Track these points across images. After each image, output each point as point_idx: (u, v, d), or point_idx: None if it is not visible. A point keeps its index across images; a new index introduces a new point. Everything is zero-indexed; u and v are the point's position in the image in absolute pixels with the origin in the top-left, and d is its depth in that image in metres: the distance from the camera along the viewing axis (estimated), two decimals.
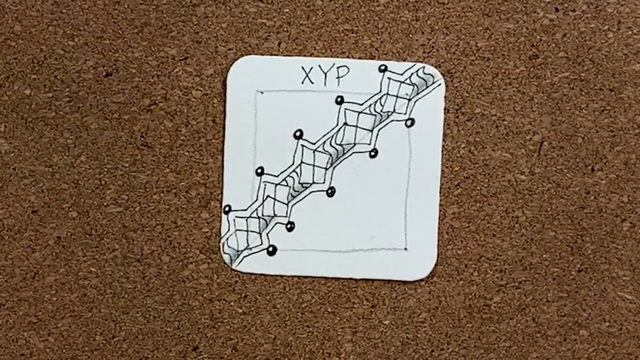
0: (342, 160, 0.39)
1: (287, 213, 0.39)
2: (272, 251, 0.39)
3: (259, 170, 0.39)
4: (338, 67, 0.39)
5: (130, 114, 0.39)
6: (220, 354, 0.39)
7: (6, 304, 0.39)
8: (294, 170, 0.39)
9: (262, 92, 0.39)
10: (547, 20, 0.39)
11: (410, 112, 0.39)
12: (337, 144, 0.39)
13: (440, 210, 0.39)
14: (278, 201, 0.39)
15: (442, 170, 0.39)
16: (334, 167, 0.39)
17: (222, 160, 0.39)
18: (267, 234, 0.39)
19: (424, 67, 0.39)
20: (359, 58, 0.39)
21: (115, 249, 0.39)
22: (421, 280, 0.39)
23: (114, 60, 0.39)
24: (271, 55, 0.39)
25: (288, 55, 0.39)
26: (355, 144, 0.39)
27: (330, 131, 0.39)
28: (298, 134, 0.39)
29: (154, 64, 0.39)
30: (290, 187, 0.39)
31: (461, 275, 0.39)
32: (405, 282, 0.39)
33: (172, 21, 0.39)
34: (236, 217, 0.39)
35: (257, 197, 0.39)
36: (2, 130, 0.39)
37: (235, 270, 0.39)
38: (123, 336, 0.39)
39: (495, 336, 0.39)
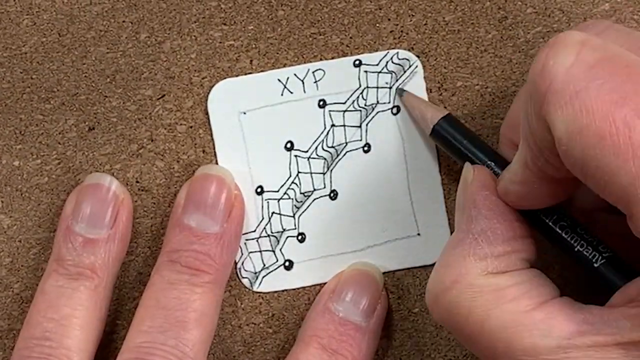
0: (337, 162, 0.39)
1: (295, 225, 0.39)
2: (288, 266, 0.39)
3: (259, 190, 0.39)
4: (313, 72, 0.39)
5: (121, 162, 0.39)
6: None
7: None
8: (292, 182, 0.39)
9: (244, 113, 0.39)
10: None
11: (394, 99, 0.39)
12: (329, 147, 0.39)
13: (444, 189, 0.39)
14: (284, 215, 0.39)
15: (438, 150, 0.39)
16: (331, 170, 0.39)
17: None
18: (280, 250, 0.39)
19: (397, 53, 0.39)
20: (332, 58, 0.39)
21: (136, 296, 0.39)
22: None
23: (94, 114, 0.39)
24: (246, 74, 0.39)
25: (262, 71, 0.39)
26: (347, 143, 0.39)
27: (319, 136, 0.39)
28: (289, 145, 0.39)
29: (133, 108, 0.39)
30: (292, 199, 0.39)
31: None
32: (425, 267, 0.39)
33: (142, 63, 0.39)
34: (246, 240, 0.39)
35: (263, 215, 0.39)
36: (0, 206, 0.39)
37: (257, 292, 0.39)
38: None
39: None
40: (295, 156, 0.39)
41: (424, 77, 0.39)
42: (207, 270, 0.36)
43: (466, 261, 0.31)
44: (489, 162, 0.34)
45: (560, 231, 0.32)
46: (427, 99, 0.39)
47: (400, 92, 0.38)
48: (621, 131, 0.26)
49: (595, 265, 0.31)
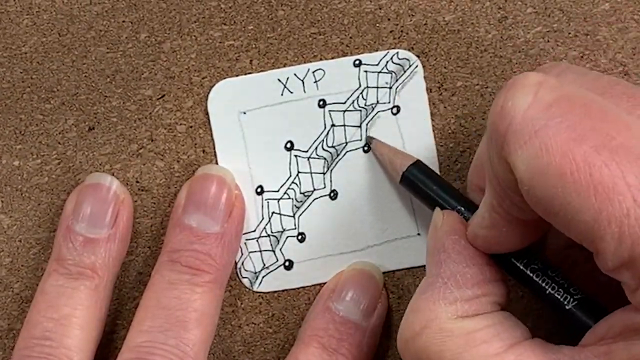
0: (337, 162, 0.39)
1: (295, 225, 0.39)
2: (288, 266, 0.39)
3: (259, 189, 0.39)
4: (313, 72, 0.39)
5: (121, 162, 0.39)
6: None
7: None
8: (292, 182, 0.39)
9: (244, 113, 0.39)
10: None
11: (394, 99, 0.39)
12: (329, 147, 0.39)
13: None
14: (284, 215, 0.39)
15: (438, 150, 0.39)
16: (331, 170, 0.39)
17: None
18: (280, 250, 0.39)
19: (397, 52, 0.39)
20: (332, 58, 0.39)
21: (136, 296, 0.39)
22: None
23: (94, 114, 0.39)
24: (245, 74, 0.39)
25: (262, 71, 0.39)
26: (346, 143, 0.39)
27: (319, 136, 0.39)
28: (289, 145, 0.39)
29: (133, 108, 0.39)
30: (292, 199, 0.39)
31: None
32: (425, 267, 0.39)
33: (142, 63, 0.39)
34: (246, 239, 0.39)
35: (263, 215, 0.39)
36: (0, 206, 0.39)
37: (257, 292, 0.39)
38: None
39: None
40: (295, 156, 0.39)
41: (424, 77, 0.39)
42: (208, 270, 0.36)
43: (436, 305, 0.31)
44: (458, 207, 0.35)
45: (531, 274, 0.32)
46: (427, 99, 0.39)
47: (370, 139, 0.38)
48: (581, 168, 0.26)
49: (567, 307, 0.32)
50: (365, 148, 0.39)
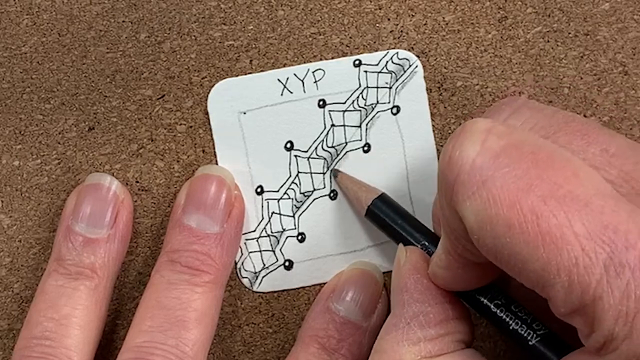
0: (337, 162, 0.39)
1: (295, 225, 0.39)
2: (288, 266, 0.39)
3: (259, 189, 0.39)
4: (313, 72, 0.39)
5: (121, 162, 0.39)
6: None
7: None
8: (292, 182, 0.39)
9: (244, 113, 0.39)
10: None
11: (394, 99, 0.39)
12: (329, 147, 0.39)
13: None
14: (284, 215, 0.39)
15: (438, 150, 0.39)
16: (331, 170, 0.39)
17: None
18: (280, 250, 0.39)
19: (397, 52, 0.39)
20: (332, 58, 0.39)
21: (136, 296, 0.39)
22: None
23: (94, 114, 0.39)
24: (245, 74, 0.39)
25: (262, 71, 0.39)
26: (346, 143, 0.39)
27: (319, 136, 0.39)
28: (289, 145, 0.39)
29: (133, 108, 0.39)
30: (292, 199, 0.39)
31: None
32: None
33: (142, 62, 0.39)
34: (246, 240, 0.39)
35: (263, 215, 0.39)
36: (0, 206, 0.39)
37: (256, 292, 0.39)
38: None
39: None
40: (295, 156, 0.39)
41: (424, 77, 0.39)
42: (207, 270, 0.36)
43: (399, 346, 0.31)
44: (423, 242, 0.35)
45: (495, 309, 0.32)
46: (427, 99, 0.39)
47: (335, 172, 0.38)
48: (529, 219, 0.26)
49: (530, 343, 0.31)
50: (366, 148, 0.39)
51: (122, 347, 0.36)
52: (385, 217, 0.36)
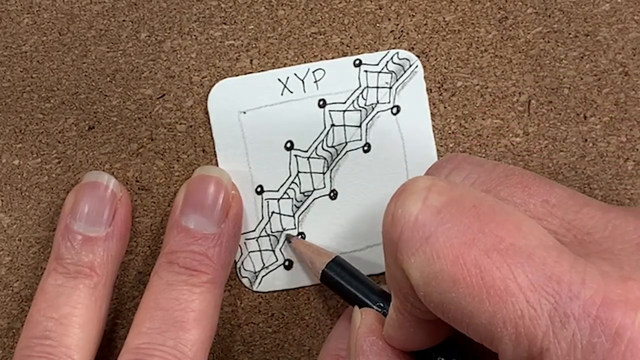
0: (337, 162, 0.39)
1: (295, 225, 0.39)
2: (288, 265, 0.39)
3: (259, 189, 0.39)
4: (314, 72, 0.39)
5: (121, 161, 0.39)
6: None
7: None
8: (292, 182, 0.39)
9: (244, 112, 0.39)
10: None
11: (394, 99, 0.39)
12: (329, 147, 0.39)
13: None
14: (284, 215, 0.39)
15: (438, 150, 0.39)
16: (331, 170, 0.39)
17: None
18: (280, 250, 0.39)
19: (397, 52, 0.39)
20: (332, 58, 0.39)
21: (136, 296, 0.39)
22: None
23: (94, 113, 0.39)
24: (246, 74, 0.39)
25: (262, 71, 0.39)
26: (346, 143, 0.39)
27: (319, 136, 0.39)
28: (289, 145, 0.39)
29: (133, 107, 0.39)
30: (292, 198, 0.39)
31: None
32: None
33: (142, 62, 0.39)
34: (246, 239, 0.39)
35: (262, 215, 0.39)
36: (0, 205, 0.39)
37: (256, 291, 0.39)
38: None
39: None
40: (295, 156, 0.39)
41: (424, 77, 0.39)
42: (205, 270, 0.36)
43: None
44: (379, 303, 0.34)
45: None
46: (427, 99, 0.39)
47: (289, 238, 0.38)
48: (473, 273, 0.26)
49: None
50: (366, 148, 0.39)
51: (122, 348, 0.36)
52: (341, 279, 0.36)
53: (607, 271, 0.25)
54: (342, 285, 0.36)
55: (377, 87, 0.39)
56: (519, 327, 0.25)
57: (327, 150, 0.39)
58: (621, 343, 0.24)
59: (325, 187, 0.39)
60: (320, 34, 0.39)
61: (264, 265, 0.39)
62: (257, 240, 0.39)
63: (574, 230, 0.28)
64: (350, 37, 0.39)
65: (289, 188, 0.39)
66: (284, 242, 0.39)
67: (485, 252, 0.26)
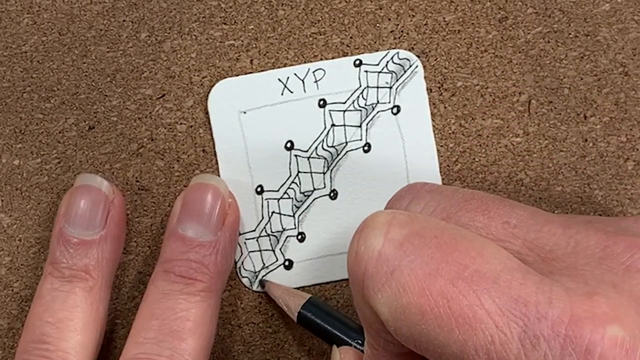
0: (337, 162, 0.39)
1: (295, 225, 0.39)
2: (288, 265, 0.39)
3: (259, 189, 0.39)
4: (314, 71, 0.39)
5: (121, 161, 0.39)
6: None
7: None
8: (292, 182, 0.39)
9: (244, 112, 0.39)
10: None
11: (394, 99, 0.39)
12: (329, 147, 0.39)
13: None
14: (284, 215, 0.39)
15: (438, 150, 0.39)
16: (332, 170, 0.39)
17: None
18: (280, 250, 0.39)
19: (397, 52, 0.39)
20: (332, 58, 0.39)
21: (136, 296, 0.39)
22: None
23: (94, 113, 0.39)
24: (246, 74, 0.39)
25: (262, 71, 0.39)
26: (347, 143, 0.39)
27: (319, 136, 0.39)
28: (289, 145, 0.39)
29: (133, 107, 0.39)
30: (292, 198, 0.39)
31: None
32: None
33: (142, 62, 0.39)
34: (246, 239, 0.39)
35: (263, 215, 0.39)
36: (0, 205, 0.39)
37: (256, 291, 0.39)
38: None
39: None
40: (295, 156, 0.39)
41: (424, 77, 0.39)
42: (201, 279, 0.36)
43: None
44: (357, 340, 0.34)
45: None
46: (427, 99, 0.39)
47: (262, 282, 0.38)
48: (439, 303, 0.25)
49: None
50: (366, 148, 0.39)
51: (119, 359, 0.36)
52: (318, 318, 0.36)
53: (572, 288, 0.25)
54: (319, 325, 0.36)
55: (377, 87, 0.38)
56: (491, 352, 0.25)
57: (327, 150, 0.39)
58: (592, 359, 0.24)
59: (325, 187, 0.39)
60: (321, 34, 0.39)
61: (264, 265, 0.39)
62: (257, 240, 0.39)
63: (536, 249, 0.28)
64: (351, 37, 0.39)
65: (289, 188, 0.39)
66: (260, 285, 0.38)
67: (450, 281, 0.25)
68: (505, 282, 0.25)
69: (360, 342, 0.34)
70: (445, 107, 0.38)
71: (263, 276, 0.39)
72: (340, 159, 0.39)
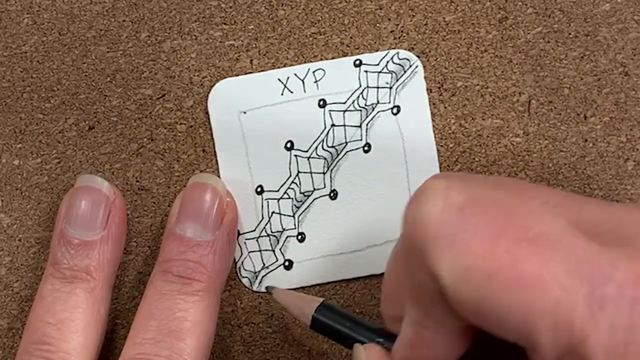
0: (337, 162, 0.39)
1: (295, 225, 0.39)
2: (288, 265, 0.39)
3: (259, 189, 0.39)
4: (314, 72, 0.39)
5: (121, 161, 0.39)
6: None
7: None
8: (292, 182, 0.39)
9: (244, 112, 0.39)
10: None
11: (394, 99, 0.39)
12: (329, 147, 0.39)
13: None
14: (284, 215, 0.39)
15: (438, 150, 0.39)
16: (332, 170, 0.39)
17: None
18: (280, 250, 0.39)
19: (397, 53, 0.39)
20: (332, 58, 0.39)
21: (135, 296, 0.39)
22: None
23: (94, 113, 0.39)
24: (246, 74, 0.39)
25: (262, 71, 0.39)
26: (347, 143, 0.39)
27: (319, 136, 0.39)
28: (289, 145, 0.39)
29: (133, 107, 0.39)
30: (292, 198, 0.39)
31: None
32: None
33: (142, 62, 0.39)
34: (246, 239, 0.39)
35: (263, 215, 0.39)
36: (0, 205, 0.39)
37: (256, 291, 0.39)
38: None
39: None
40: (295, 156, 0.39)
41: (424, 77, 0.39)
42: (199, 278, 0.36)
43: None
44: (377, 339, 0.33)
45: None
46: (427, 99, 0.39)
47: (269, 288, 0.37)
48: (505, 264, 0.25)
49: None
50: (366, 148, 0.39)
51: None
52: (333, 322, 0.34)
53: (631, 253, 0.25)
54: (335, 327, 0.34)
55: (378, 87, 0.38)
56: (557, 315, 0.24)
57: (327, 150, 0.39)
58: None
59: (325, 187, 0.39)
60: (320, 34, 0.39)
61: (264, 265, 0.39)
62: (257, 240, 0.39)
63: (581, 225, 0.28)
64: (350, 37, 0.38)
65: (289, 188, 0.39)
66: (267, 291, 0.38)
67: (515, 243, 0.25)
68: (568, 244, 0.25)
69: (379, 341, 0.34)
70: (445, 107, 0.38)
71: (263, 276, 0.39)
72: (340, 159, 0.38)
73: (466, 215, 0.26)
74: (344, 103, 0.38)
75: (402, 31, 0.38)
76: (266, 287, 0.38)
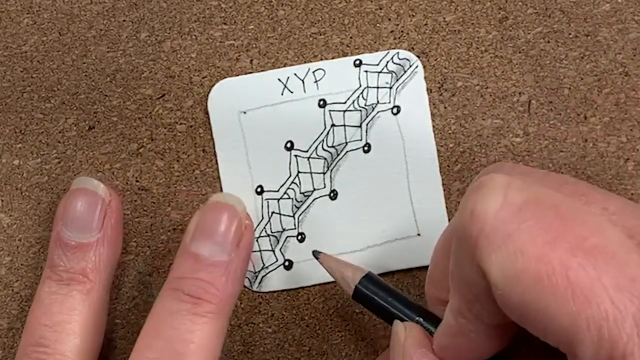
0: (337, 162, 0.39)
1: (295, 225, 0.39)
2: (288, 265, 0.39)
3: (259, 189, 0.39)
4: (314, 72, 0.39)
5: (121, 161, 0.39)
6: None
7: None
8: (292, 182, 0.39)
9: (244, 112, 0.39)
10: None
11: (394, 99, 0.39)
12: (329, 147, 0.39)
13: (444, 190, 0.39)
14: (284, 215, 0.39)
15: (438, 150, 0.39)
16: (331, 170, 0.39)
17: (220, 187, 0.39)
18: (280, 250, 0.39)
19: (397, 53, 0.39)
20: (332, 58, 0.39)
21: (135, 296, 0.39)
22: None
23: (94, 113, 0.39)
24: (246, 74, 0.39)
25: (262, 71, 0.39)
26: (347, 143, 0.39)
27: (319, 136, 0.39)
28: (289, 145, 0.39)
29: (133, 107, 0.39)
30: (292, 199, 0.39)
31: None
32: (425, 267, 0.39)
33: (142, 62, 0.39)
34: None
35: (262, 215, 0.39)
36: (0, 205, 0.39)
37: (256, 291, 0.39)
38: None
39: None
40: (295, 156, 0.39)
41: (424, 77, 0.39)
42: (210, 299, 0.35)
43: None
44: (417, 318, 0.33)
45: None
46: (427, 99, 0.39)
47: (316, 253, 0.36)
48: (558, 271, 0.25)
49: None
50: (366, 148, 0.39)
51: None
52: (375, 295, 0.34)
53: None
54: (376, 300, 0.34)
55: (378, 87, 0.38)
56: (603, 328, 0.24)
57: (327, 150, 0.39)
58: None
59: (325, 187, 0.39)
60: (320, 34, 0.38)
61: (264, 265, 0.39)
62: (257, 241, 0.39)
63: (637, 236, 0.28)
64: (350, 37, 0.38)
65: (289, 188, 0.39)
66: (314, 255, 0.38)
67: (570, 251, 0.25)
68: (623, 259, 0.25)
69: (419, 321, 0.33)
70: (445, 107, 0.38)
71: (263, 277, 0.39)
72: (340, 159, 0.38)
73: (524, 216, 0.26)
74: (344, 103, 0.38)
75: (402, 31, 0.38)
76: (313, 252, 0.36)
